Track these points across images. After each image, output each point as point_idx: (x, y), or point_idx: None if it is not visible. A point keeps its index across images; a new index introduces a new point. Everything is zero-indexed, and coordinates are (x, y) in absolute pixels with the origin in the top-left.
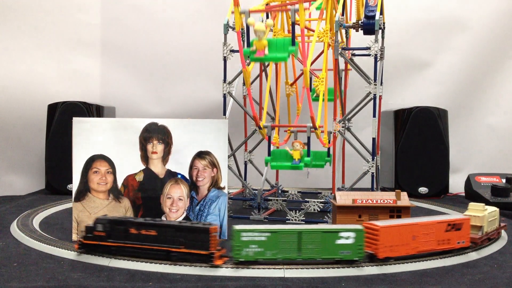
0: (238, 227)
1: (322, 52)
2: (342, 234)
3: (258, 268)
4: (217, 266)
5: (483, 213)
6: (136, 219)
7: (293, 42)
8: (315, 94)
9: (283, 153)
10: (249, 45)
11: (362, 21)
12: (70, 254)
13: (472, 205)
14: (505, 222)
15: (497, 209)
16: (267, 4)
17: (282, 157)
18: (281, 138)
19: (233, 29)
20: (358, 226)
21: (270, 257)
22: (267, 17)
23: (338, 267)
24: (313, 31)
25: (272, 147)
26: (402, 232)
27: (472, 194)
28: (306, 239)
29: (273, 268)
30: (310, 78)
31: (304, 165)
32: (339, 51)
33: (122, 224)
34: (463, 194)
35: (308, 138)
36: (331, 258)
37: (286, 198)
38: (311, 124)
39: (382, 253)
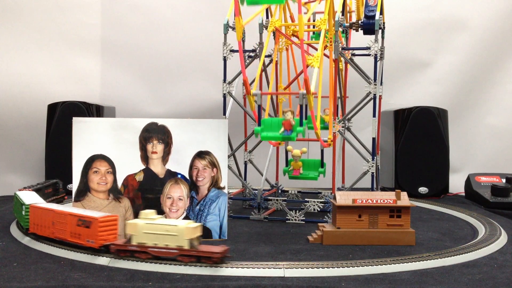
0: None
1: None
2: None
3: (258, 268)
4: None
5: (134, 221)
6: None
7: (301, 123)
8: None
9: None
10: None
11: (362, 21)
12: (70, 254)
13: (142, 212)
14: (229, 253)
15: (192, 227)
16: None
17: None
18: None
19: (233, 29)
20: None
21: None
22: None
23: (338, 267)
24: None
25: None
26: (44, 215)
27: (472, 194)
28: None
29: (273, 268)
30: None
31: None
32: (339, 51)
33: None
34: (463, 194)
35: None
36: None
37: (286, 198)
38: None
39: (31, 228)
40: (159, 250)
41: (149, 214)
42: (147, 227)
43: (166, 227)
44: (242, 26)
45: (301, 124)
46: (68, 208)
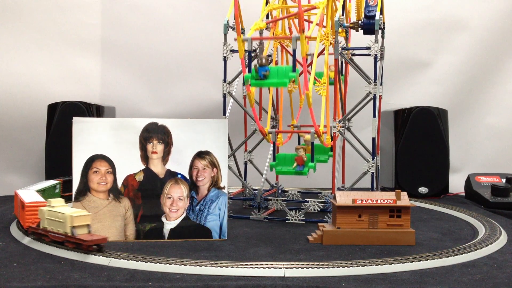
0: None
1: (322, 52)
2: None
3: (258, 268)
4: None
5: (42, 208)
6: None
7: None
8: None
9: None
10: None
11: (362, 21)
12: (70, 254)
13: (49, 200)
14: (102, 243)
15: (75, 216)
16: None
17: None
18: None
19: (233, 29)
20: None
21: None
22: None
23: (338, 267)
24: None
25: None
26: (17, 200)
27: (472, 194)
28: None
29: (273, 268)
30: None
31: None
32: (339, 51)
33: None
34: (463, 194)
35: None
36: None
37: (286, 198)
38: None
39: (15, 211)
40: (54, 235)
41: (53, 201)
42: (48, 213)
43: (58, 214)
44: (244, 44)
45: (312, 160)
46: (25, 193)
